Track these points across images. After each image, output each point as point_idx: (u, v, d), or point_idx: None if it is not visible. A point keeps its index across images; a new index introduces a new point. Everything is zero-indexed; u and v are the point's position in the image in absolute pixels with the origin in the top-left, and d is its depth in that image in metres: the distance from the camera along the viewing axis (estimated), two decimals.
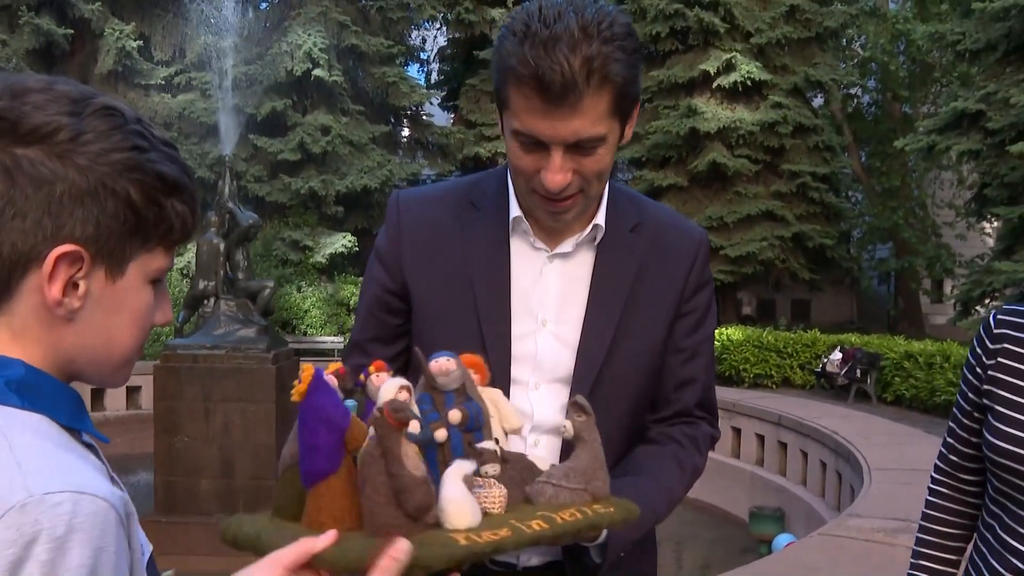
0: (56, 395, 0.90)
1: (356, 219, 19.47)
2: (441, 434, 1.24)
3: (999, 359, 1.68)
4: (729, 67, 18.24)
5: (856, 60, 24.48)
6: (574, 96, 1.37)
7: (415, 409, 1.15)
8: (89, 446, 0.95)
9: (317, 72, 18.11)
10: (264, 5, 21.66)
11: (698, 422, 1.69)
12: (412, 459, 1.08)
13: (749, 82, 18.20)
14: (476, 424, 1.28)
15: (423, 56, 26.58)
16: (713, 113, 18.22)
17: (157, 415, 7.66)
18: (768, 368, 14.83)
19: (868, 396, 13.46)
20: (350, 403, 1.16)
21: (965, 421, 1.77)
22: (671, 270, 1.64)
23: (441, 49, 25.16)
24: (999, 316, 1.73)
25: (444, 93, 24.77)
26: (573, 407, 1.28)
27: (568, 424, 1.28)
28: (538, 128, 1.41)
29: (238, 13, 17.57)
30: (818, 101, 21.22)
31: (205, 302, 8.33)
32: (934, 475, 1.87)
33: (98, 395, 11.44)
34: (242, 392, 7.65)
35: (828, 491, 7.44)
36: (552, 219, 1.54)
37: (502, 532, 1.13)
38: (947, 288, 23.27)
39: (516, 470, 1.28)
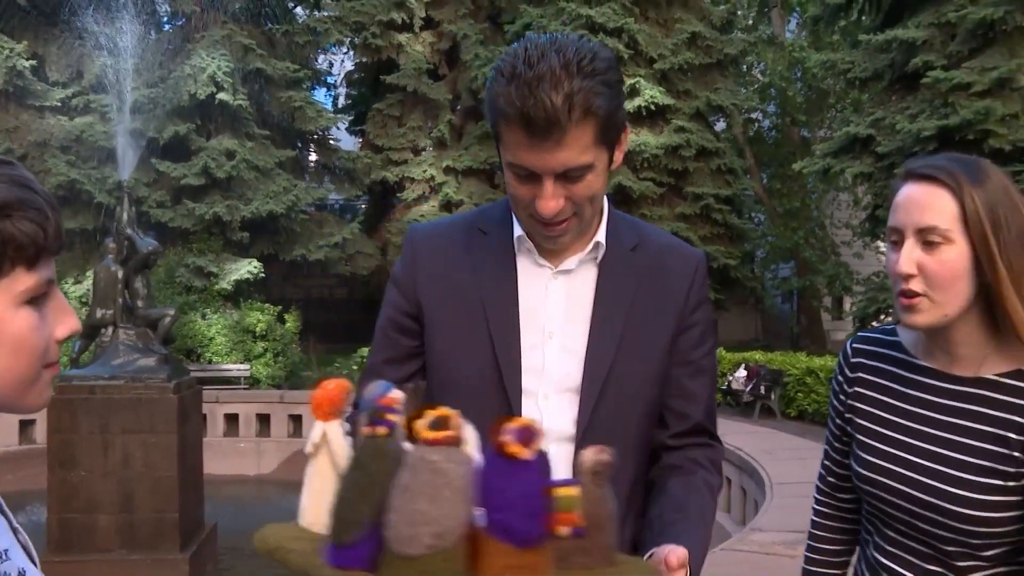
0: None
1: (262, 245, 19.16)
2: None
3: (856, 388, 1.77)
4: (633, 92, 18.59)
5: (756, 86, 25.23)
6: (558, 130, 1.48)
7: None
8: None
9: (221, 96, 17.80)
10: (167, 27, 21.26)
11: (714, 443, 1.76)
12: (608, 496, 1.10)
13: (653, 106, 18.57)
14: None
15: (330, 80, 26.43)
16: None
17: (51, 449, 7.39)
18: None
19: (773, 412, 13.78)
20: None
21: (836, 444, 1.86)
22: (671, 286, 1.73)
23: (348, 73, 25.05)
24: (855, 345, 1.82)
25: (351, 117, 24.64)
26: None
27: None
28: (529, 161, 1.53)
29: (138, 35, 17.19)
30: (720, 125, 21.76)
31: (103, 331, 8.08)
32: (816, 495, 1.96)
33: None
34: (142, 423, 7.43)
35: (734, 506, 7.59)
36: (550, 242, 1.66)
37: None
38: (847, 305, 24.04)
39: None
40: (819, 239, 23.79)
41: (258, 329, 17.61)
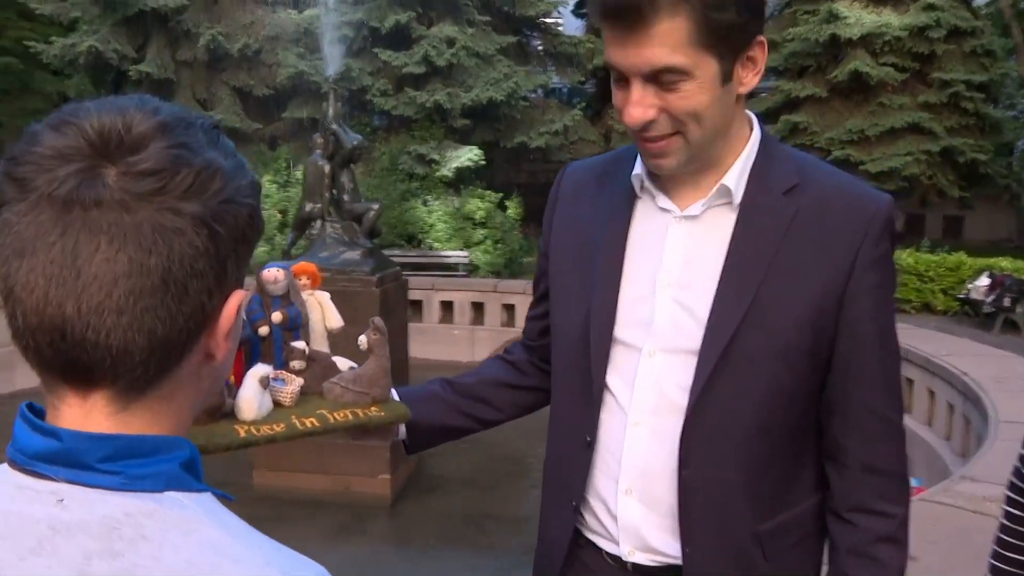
0: (200, 463, 0.80)
1: (483, 132, 19.28)
2: (264, 330, 1.55)
3: None
4: None
5: None
6: (639, 19, 1.27)
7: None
8: None
9: None
10: None
11: (877, 511, 1.44)
12: None
13: None
14: (295, 324, 1.58)
15: None
16: (856, 18, 16.93)
17: None
18: (907, 292, 13.98)
19: (1016, 327, 12.54)
20: None
21: None
22: (832, 239, 1.40)
23: None
24: None
25: (576, 1, 24.00)
26: (371, 326, 1.56)
27: (363, 339, 1.54)
28: (616, 58, 1.33)
29: None
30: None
31: (312, 224, 8.33)
32: (1009, 493, 1.74)
33: None
34: (346, 315, 7.48)
35: (955, 435, 6.94)
36: (653, 166, 1.43)
37: (278, 427, 1.40)
38: None
39: (320, 367, 1.57)
40: None
41: (478, 216, 17.87)
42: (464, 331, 13.45)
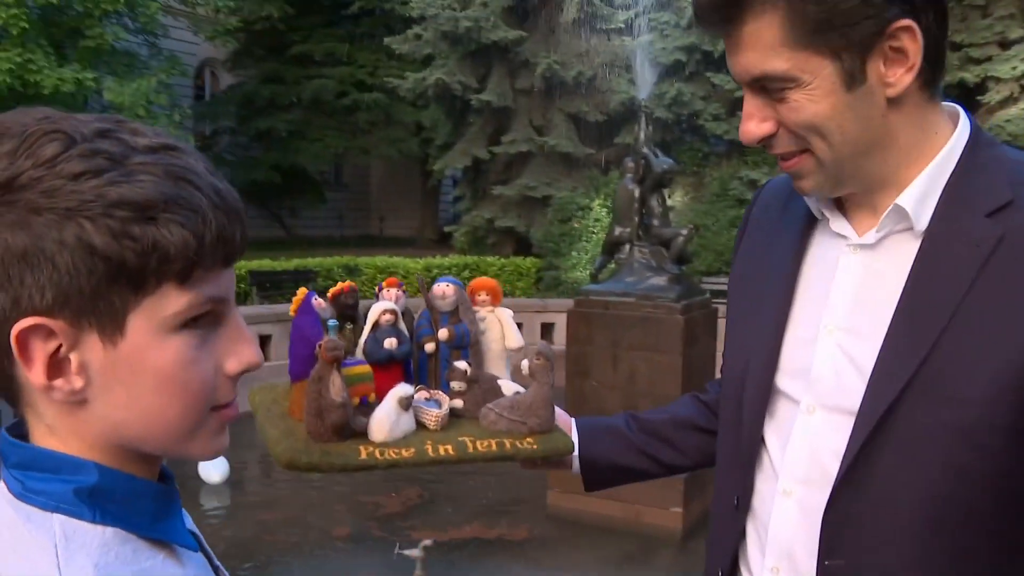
0: (134, 500, 0.78)
1: None
2: (430, 347, 1.53)
3: None
4: None
5: None
6: (728, 21, 1.13)
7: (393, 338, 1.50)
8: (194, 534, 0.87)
9: None
10: None
11: None
12: (337, 387, 1.32)
13: None
14: (462, 343, 1.54)
15: None
16: None
17: (569, 357, 7.85)
18: None
19: None
20: (332, 323, 1.40)
21: None
22: None
23: None
24: None
25: None
26: (536, 353, 1.45)
27: (525, 364, 1.45)
28: (728, 66, 1.20)
29: None
30: None
31: (620, 248, 8.35)
32: None
33: None
34: (649, 341, 7.56)
35: None
36: (795, 187, 1.24)
37: (406, 452, 1.33)
38: None
39: (482, 390, 1.50)
40: None
41: None
42: None
